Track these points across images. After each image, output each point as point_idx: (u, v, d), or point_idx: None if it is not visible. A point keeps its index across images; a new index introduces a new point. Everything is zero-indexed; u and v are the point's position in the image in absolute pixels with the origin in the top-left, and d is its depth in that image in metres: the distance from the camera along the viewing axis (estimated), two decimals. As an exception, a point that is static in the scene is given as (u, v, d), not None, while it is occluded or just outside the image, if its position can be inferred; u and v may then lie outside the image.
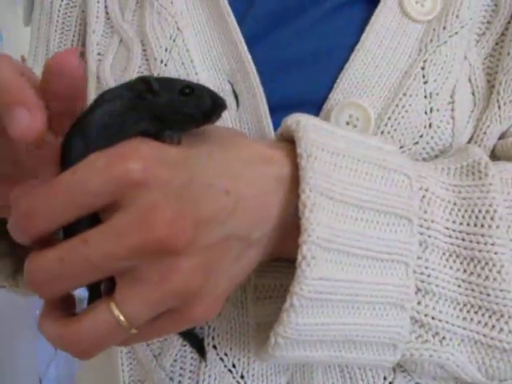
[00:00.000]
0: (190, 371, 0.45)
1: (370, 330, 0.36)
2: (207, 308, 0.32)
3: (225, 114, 0.45)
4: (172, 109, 0.31)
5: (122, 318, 0.29)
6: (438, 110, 0.45)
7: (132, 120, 0.31)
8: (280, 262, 0.41)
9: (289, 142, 0.36)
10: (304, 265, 0.32)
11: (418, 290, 0.37)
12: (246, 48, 0.46)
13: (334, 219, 0.33)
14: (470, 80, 0.48)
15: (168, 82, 0.32)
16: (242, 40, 0.46)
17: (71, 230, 0.29)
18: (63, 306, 0.32)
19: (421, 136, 0.44)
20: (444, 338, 0.37)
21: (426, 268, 0.37)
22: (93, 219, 0.30)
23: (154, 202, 0.29)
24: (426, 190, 0.38)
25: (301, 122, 0.35)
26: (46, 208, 0.29)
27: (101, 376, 0.54)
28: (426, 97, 0.45)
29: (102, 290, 0.32)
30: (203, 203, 0.30)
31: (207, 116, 0.32)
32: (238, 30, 0.46)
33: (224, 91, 0.46)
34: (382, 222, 0.35)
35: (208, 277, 0.31)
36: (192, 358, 0.45)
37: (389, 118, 0.44)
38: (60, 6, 0.57)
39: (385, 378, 0.44)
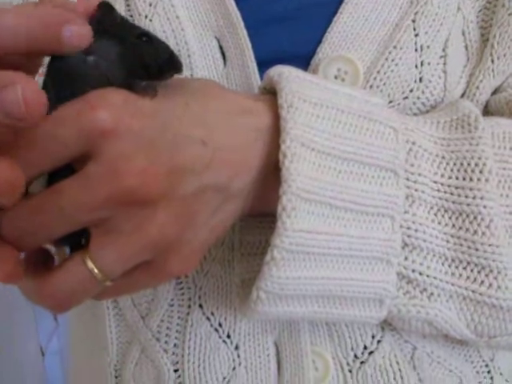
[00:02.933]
0: (177, 331, 0.45)
1: (355, 285, 0.35)
2: (184, 260, 0.31)
3: (211, 72, 0.44)
4: (127, 51, 0.30)
5: (95, 270, 0.29)
6: (429, 64, 0.43)
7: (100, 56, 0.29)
8: (264, 217, 0.40)
9: (271, 94, 0.35)
10: (284, 216, 0.31)
11: (405, 244, 0.36)
12: (233, 3, 0.44)
13: (315, 170, 0.32)
14: (463, 33, 0.46)
15: (129, 24, 0.31)
16: None
17: (50, 183, 0.29)
18: (40, 262, 0.32)
19: (411, 90, 0.43)
20: (432, 294, 0.36)
21: (413, 222, 0.36)
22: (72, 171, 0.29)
23: (124, 151, 0.28)
24: (413, 143, 0.37)
25: (283, 74, 0.34)
26: (17, 159, 0.28)
27: (90, 338, 0.54)
28: (416, 50, 0.43)
29: None
30: (177, 152, 0.29)
31: (161, 70, 0.31)
32: None
33: (211, 47, 0.45)
34: (367, 175, 0.34)
35: (184, 228, 0.30)
36: (179, 317, 0.45)
37: (378, 72, 0.42)
38: None
39: (373, 337, 0.43)
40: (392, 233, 0.35)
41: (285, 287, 0.33)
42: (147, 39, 0.31)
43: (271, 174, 0.33)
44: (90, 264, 0.29)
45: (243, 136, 0.33)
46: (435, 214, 0.37)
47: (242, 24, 0.44)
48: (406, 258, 0.36)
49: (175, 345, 0.45)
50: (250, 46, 0.43)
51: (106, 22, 0.30)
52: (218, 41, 0.45)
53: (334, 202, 0.33)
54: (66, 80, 0.29)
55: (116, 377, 0.50)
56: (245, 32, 0.43)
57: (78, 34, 0.28)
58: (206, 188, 0.31)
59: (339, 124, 0.34)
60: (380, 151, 0.35)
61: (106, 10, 0.30)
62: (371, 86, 0.43)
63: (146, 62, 0.30)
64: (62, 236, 0.29)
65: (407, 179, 0.36)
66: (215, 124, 0.32)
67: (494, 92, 0.46)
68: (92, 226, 0.29)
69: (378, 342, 0.43)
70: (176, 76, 0.32)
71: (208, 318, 0.44)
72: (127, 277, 0.31)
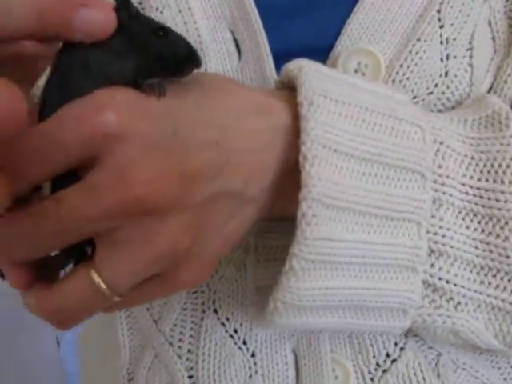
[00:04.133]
0: (190, 336, 0.43)
1: (378, 295, 0.33)
2: (196, 271, 0.30)
3: (225, 66, 0.42)
4: (141, 46, 0.28)
5: (102, 285, 0.27)
6: (454, 57, 0.41)
7: (109, 51, 0.27)
8: (281, 221, 0.38)
9: (289, 89, 0.33)
10: (304, 224, 0.29)
11: (432, 251, 0.34)
12: None
13: (337, 174, 0.30)
14: (490, 24, 0.44)
15: (145, 18, 0.29)
16: None
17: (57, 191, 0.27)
18: (41, 273, 0.30)
19: (436, 85, 0.41)
20: (459, 303, 0.35)
21: (440, 228, 0.34)
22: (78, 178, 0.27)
23: (132, 156, 0.26)
24: (441, 143, 0.35)
25: (303, 68, 0.32)
26: (14, 165, 0.26)
27: (102, 340, 0.53)
28: (441, 42, 0.41)
29: None
30: (189, 157, 0.27)
31: (179, 65, 0.29)
32: None
33: (225, 40, 0.43)
34: (392, 177, 0.32)
35: (197, 238, 0.28)
36: (192, 322, 0.43)
37: (401, 66, 0.40)
38: None
39: (396, 344, 0.41)
40: (418, 239, 0.33)
41: (304, 298, 0.31)
42: (164, 33, 0.29)
43: (289, 176, 0.31)
44: (96, 278, 0.27)
45: (259, 137, 0.31)
46: (463, 219, 0.35)
47: (257, 15, 0.41)
48: (432, 266, 0.34)
49: (189, 350, 0.43)
50: (265, 38, 0.41)
51: (120, 16, 0.28)
52: (233, 33, 0.43)
53: (357, 207, 0.31)
54: (71, 76, 0.28)
55: (129, 380, 0.48)
56: (260, 24, 0.41)
57: (91, 20, 0.26)
58: (219, 194, 0.29)
59: (362, 123, 0.32)
60: (406, 152, 0.33)
61: (123, 2, 0.28)
62: (393, 81, 0.40)
63: (164, 58, 0.28)
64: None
65: (434, 182, 0.34)
66: (229, 124, 0.30)
67: None
68: (97, 237, 0.27)
69: (401, 349, 0.41)
70: None
71: (223, 324, 0.42)
72: (135, 290, 0.29)
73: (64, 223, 0.26)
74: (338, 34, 0.41)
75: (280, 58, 0.41)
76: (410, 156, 0.33)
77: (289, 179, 0.31)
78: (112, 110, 0.26)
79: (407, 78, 0.40)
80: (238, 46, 0.43)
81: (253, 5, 0.42)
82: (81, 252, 0.29)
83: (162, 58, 0.28)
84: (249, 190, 0.30)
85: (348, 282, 0.32)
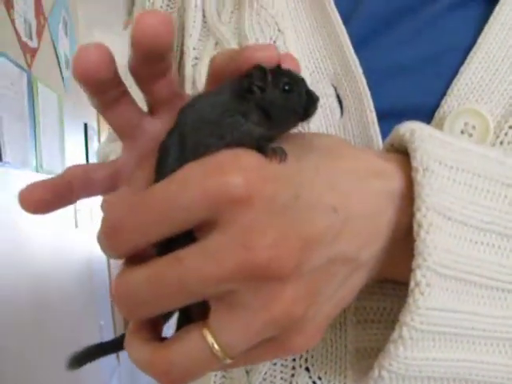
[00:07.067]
0: None
1: (486, 369, 0.32)
2: (308, 337, 0.29)
3: (328, 121, 0.42)
4: (277, 105, 0.29)
5: (216, 346, 0.27)
6: None
7: (238, 113, 0.28)
8: (385, 282, 0.37)
9: (399, 152, 0.33)
10: (417, 293, 0.28)
11: None
12: (352, 50, 0.42)
13: (451, 242, 0.29)
14: None
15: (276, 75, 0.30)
16: (349, 42, 0.42)
17: (166, 247, 0.27)
18: (151, 326, 0.30)
19: None
20: None
21: None
22: (190, 236, 0.27)
23: (255, 221, 0.26)
24: None
25: (416, 132, 0.32)
26: (134, 223, 0.27)
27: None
28: None
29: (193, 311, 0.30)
30: (310, 223, 0.27)
31: (307, 112, 0.30)
32: (344, 32, 0.43)
33: (327, 95, 0.43)
34: (505, 247, 0.31)
35: (311, 304, 0.28)
36: (282, 378, 0.42)
37: (510, 127, 0.39)
38: None
39: None
40: None
41: (410, 368, 0.30)
42: (289, 87, 0.30)
43: (400, 241, 0.31)
44: (211, 339, 0.27)
45: (375, 202, 0.30)
46: None
47: (360, 72, 0.41)
48: None
49: None
50: (369, 95, 0.41)
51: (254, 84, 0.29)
52: (335, 89, 0.43)
53: (470, 277, 0.30)
54: (195, 133, 0.28)
55: None
56: (364, 81, 0.41)
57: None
58: (334, 260, 0.29)
59: (475, 190, 0.31)
60: None
61: (259, 73, 0.29)
62: (501, 143, 0.39)
63: (294, 109, 0.30)
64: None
65: None
66: (346, 189, 0.30)
67: None
68: (213, 299, 0.27)
69: None
70: (298, 131, 0.31)
71: (314, 383, 0.41)
72: (247, 352, 0.28)
73: (185, 284, 0.26)
74: (443, 94, 0.41)
75: (383, 116, 0.41)
76: None
77: (399, 245, 0.31)
78: (240, 173, 0.26)
79: None
80: (340, 102, 0.43)
81: (356, 61, 0.42)
82: (186, 308, 0.29)
83: (294, 111, 0.30)
84: (362, 256, 0.30)
85: (456, 354, 0.31)
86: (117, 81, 0.30)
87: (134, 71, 0.31)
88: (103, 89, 0.30)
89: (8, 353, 1.51)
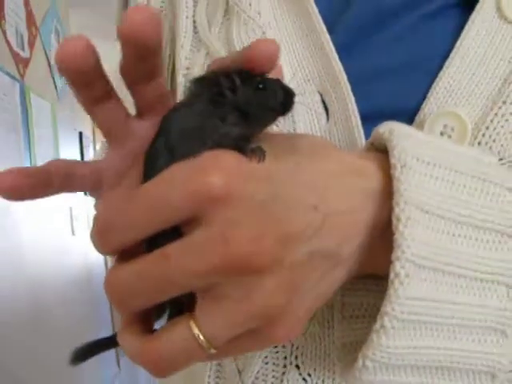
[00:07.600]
0: None
1: (467, 357, 0.33)
2: (289, 328, 0.31)
3: (314, 126, 0.44)
4: (252, 103, 0.31)
5: (201, 337, 0.29)
6: None
7: (215, 117, 0.30)
8: (368, 278, 0.39)
9: (379, 151, 0.35)
10: (397, 283, 0.30)
11: None
12: (337, 58, 0.44)
13: (429, 235, 0.31)
14: None
15: (245, 78, 0.32)
16: (333, 50, 0.44)
17: (154, 242, 0.29)
18: (142, 319, 0.32)
19: None
20: None
21: None
22: (178, 231, 0.29)
23: (235, 218, 0.28)
24: None
25: (394, 131, 0.33)
26: (124, 221, 0.29)
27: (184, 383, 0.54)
28: None
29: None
30: (289, 219, 0.29)
31: (285, 106, 0.32)
32: (329, 39, 0.45)
33: (313, 102, 0.45)
34: (482, 239, 0.33)
35: (292, 296, 0.30)
36: (273, 376, 0.44)
37: (487, 128, 0.41)
38: None
39: None
40: (507, 301, 0.33)
41: (393, 357, 0.32)
42: (263, 86, 0.32)
43: (378, 236, 0.32)
44: (196, 330, 0.29)
45: (354, 199, 0.32)
46: None
47: (345, 79, 0.43)
48: None
49: None
50: (353, 100, 0.43)
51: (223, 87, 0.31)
52: (321, 95, 0.45)
53: (448, 268, 0.31)
54: (178, 138, 0.30)
55: None
56: (348, 87, 0.43)
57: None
58: (314, 254, 0.30)
59: (452, 185, 0.33)
60: (496, 215, 0.33)
61: (224, 77, 0.31)
62: (479, 143, 0.41)
63: (271, 106, 0.32)
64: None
65: None
66: (326, 187, 0.31)
67: None
68: (199, 291, 0.29)
69: None
70: (278, 130, 0.32)
71: (304, 379, 0.42)
72: (229, 343, 0.30)
73: (171, 278, 0.28)
74: (423, 97, 0.42)
75: (366, 120, 0.43)
76: (499, 219, 0.33)
77: (378, 240, 0.32)
78: (219, 172, 0.28)
79: (493, 140, 0.40)
80: (325, 108, 0.45)
81: (341, 68, 0.44)
82: (178, 303, 0.31)
83: (271, 108, 0.32)
84: (342, 251, 0.31)
85: (437, 342, 0.32)
86: (101, 74, 0.31)
87: (125, 72, 0.32)
88: (86, 80, 0.31)
89: (7, 358, 1.51)
